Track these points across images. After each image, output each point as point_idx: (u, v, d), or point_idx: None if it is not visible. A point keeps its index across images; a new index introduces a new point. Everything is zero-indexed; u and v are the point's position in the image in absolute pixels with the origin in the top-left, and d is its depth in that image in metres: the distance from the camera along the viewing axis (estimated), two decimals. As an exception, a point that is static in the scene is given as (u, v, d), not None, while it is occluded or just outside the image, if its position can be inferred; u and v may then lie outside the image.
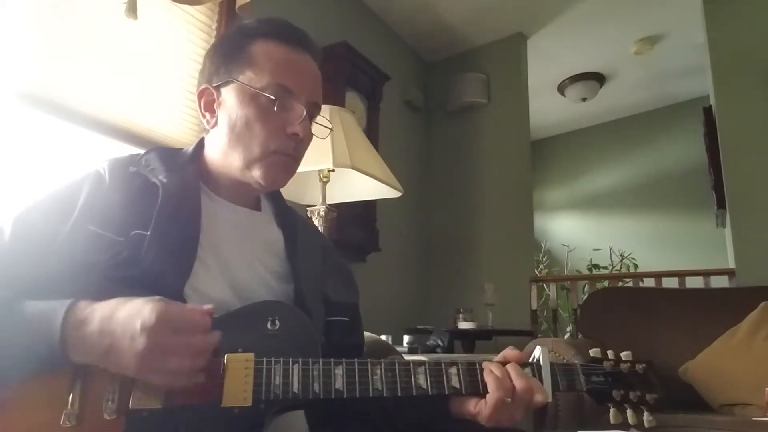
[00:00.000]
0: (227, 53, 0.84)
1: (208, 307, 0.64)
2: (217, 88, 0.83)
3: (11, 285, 0.65)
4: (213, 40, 2.17)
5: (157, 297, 0.61)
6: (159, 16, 2.00)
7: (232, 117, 0.80)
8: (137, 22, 1.74)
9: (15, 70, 1.58)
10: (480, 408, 0.70)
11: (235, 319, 0.71)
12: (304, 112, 0.81)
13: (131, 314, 0.59)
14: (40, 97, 1.64)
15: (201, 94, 0.85)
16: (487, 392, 0.70)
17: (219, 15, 2.23)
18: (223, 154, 0.82)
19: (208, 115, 0.84)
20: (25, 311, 0.61)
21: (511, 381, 0.70)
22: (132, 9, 1.68)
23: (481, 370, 0.72)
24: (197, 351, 0.60)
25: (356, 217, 2.77)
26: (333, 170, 1.65)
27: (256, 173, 0.81)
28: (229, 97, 0.82)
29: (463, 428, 0.74)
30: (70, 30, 1.73)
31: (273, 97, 0.79)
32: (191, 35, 2.12)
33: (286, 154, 0.82)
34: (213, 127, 0.84)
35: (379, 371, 0.68)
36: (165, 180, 0.78)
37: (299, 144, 0.83)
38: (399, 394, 0.68)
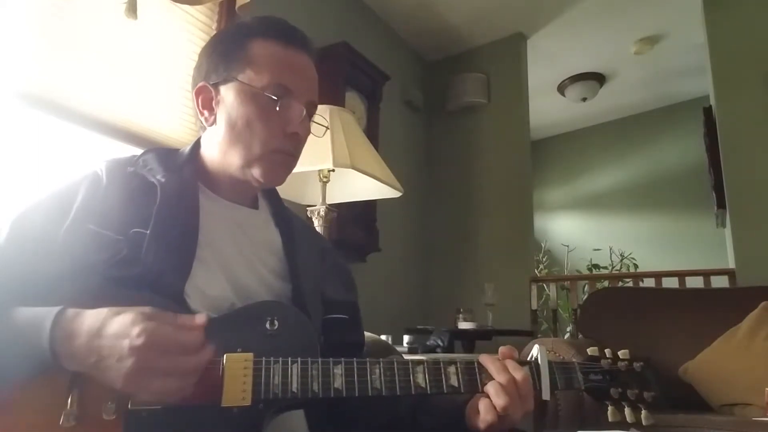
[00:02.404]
0: (226, 51, 0.83)
1: (200, 319, 0.63)
2: (216, 86, 0.82)
3: (7, 288, 0.64)
4: (213, 40, 2.17)
5: (148, 308, 0.60)
6: (159, 16, 2.00)
7: (233, 116, 0.80)
8: (137, 22, 1.74)
9: (15, 70, 1.58)
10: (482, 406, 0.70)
11: (233, 320, 0.71)
12: (304, 112, 0.82)
13: (118, 333, 0.58)
14: (40, 97, 1.64)
15: (199, 92, 0.84)
16: (483, 390, 0.71)
17: (219, 15, 2.23)
18: (221, 152, 0.82)
19: (206, 112, 0.83)
20: (16, 319, 0.61)
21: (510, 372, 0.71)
22: (132, 9, 1.68)
23: (479, 367, 0.72)
24: (186, 372, 0.60)
25: (356, 217, 2.77)
26: (333, 170, 1.66)
27: (256, 171, 0.81)
28: (228, 96, 0.81)
29: None
30: (70, 30, 1.73)
31: (275, 98, 0.79)
32: (191, 35, 2.12)
33: (285, 153, 0.82)
34: (212, 125, 0.83)
35: (377, 370, 0.68)
36: (163, 179, 0.78)
37: (298, 142, 0.84)
38: (398, 393, 0.68)
